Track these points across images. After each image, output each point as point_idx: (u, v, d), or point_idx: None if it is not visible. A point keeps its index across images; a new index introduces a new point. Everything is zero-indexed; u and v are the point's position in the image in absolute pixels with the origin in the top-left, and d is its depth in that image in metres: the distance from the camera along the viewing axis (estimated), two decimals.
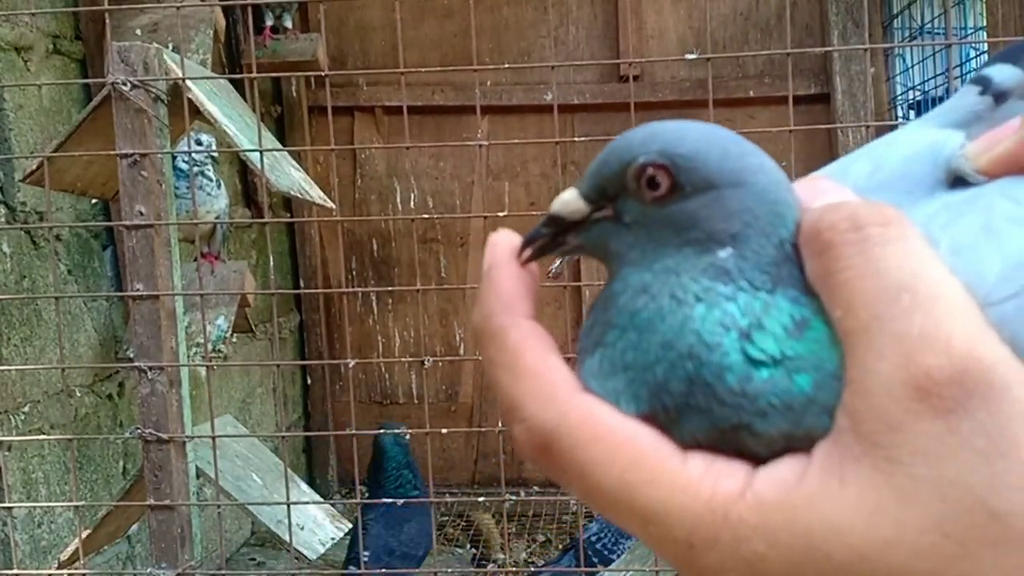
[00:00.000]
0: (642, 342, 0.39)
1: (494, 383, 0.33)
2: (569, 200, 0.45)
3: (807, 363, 0.34)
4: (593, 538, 2.38)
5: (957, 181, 0.41)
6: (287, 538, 1.63)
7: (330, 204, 1.81)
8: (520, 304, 0.36)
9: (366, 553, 2.28)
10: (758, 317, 0.38)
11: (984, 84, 0.46)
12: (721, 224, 0.42)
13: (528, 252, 0.45)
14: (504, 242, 0.39)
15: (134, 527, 2.02)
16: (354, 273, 3.66)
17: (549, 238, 0.45)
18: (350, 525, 2.05)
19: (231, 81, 1.85)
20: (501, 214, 1.91)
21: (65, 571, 1.68)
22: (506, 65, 3.35)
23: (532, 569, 2.89)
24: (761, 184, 0.43)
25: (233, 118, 1.59)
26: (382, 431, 2.50)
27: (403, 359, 3.69)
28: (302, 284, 3.57)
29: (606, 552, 2.30)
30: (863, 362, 0.27)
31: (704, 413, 0.35)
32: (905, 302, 0.27)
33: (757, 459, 0.31)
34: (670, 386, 0.36)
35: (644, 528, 0.29)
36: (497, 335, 0.34)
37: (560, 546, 3.16)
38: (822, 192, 0.39)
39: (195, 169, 2.04)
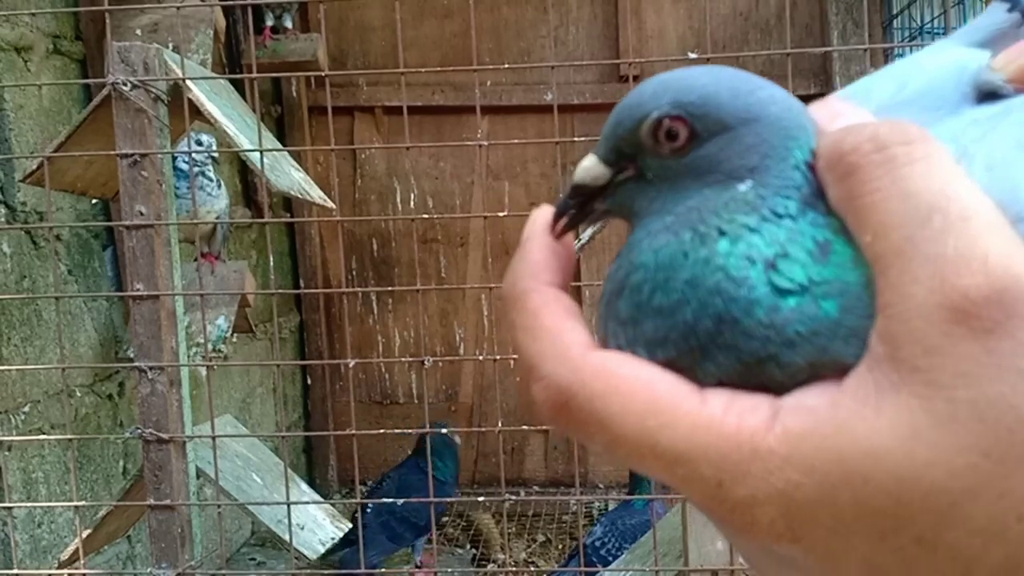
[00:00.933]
0: (667, 282, 0.39)
1: (515, 346, 0.33)
2: (590, 167, 0.45)
3: (833, 287, 0.34)
4: (597, 543, 2.38)
5: (985, 96, 0.41)
6: (287, 538, 1.63)
7: (330, 204, 1.81)
8: (546, 272, 0.36)
9: (370, 507, 2.38)
10: (783, 245, 0.38)
11: (1012, 1, 0.46)
12: (739, 161, 0.42)
13: (560, 225, 0.44)
14: (542, 216, 0.39)
15: (134, 527, 2.02)
16: (354, 273, 3.66)
17: (577, 208, 0.45)
18: (350, 525, 2.05)
19: (231, 81, 1.85)
20: (501, 214, 1.91)
21: (65, 571, 1.68)
22: (506, 65, 3.35)
23: (533, 569, 2.89)
24: (773, 115, 0.43)
25: (233, 118, 1.59)
26: (435, 430, 2.54)
27: (403, 359, 3.69)
28: (302, 284, 3.57)
29: (610, 558, 2.29)
30: (897, 286, 0.27)
31: (731, 349, 0.35)
32: (937, 223, 0.27)
33: (778, 391, 0.31)
34: (698, 326, 0.36)
35: (671, 471, 0.29)
36: (519, 299, 0.34)
37: (560, 546, 3.17)
38: (839, 114, 0.38)
39: (195, 169, 2.04)
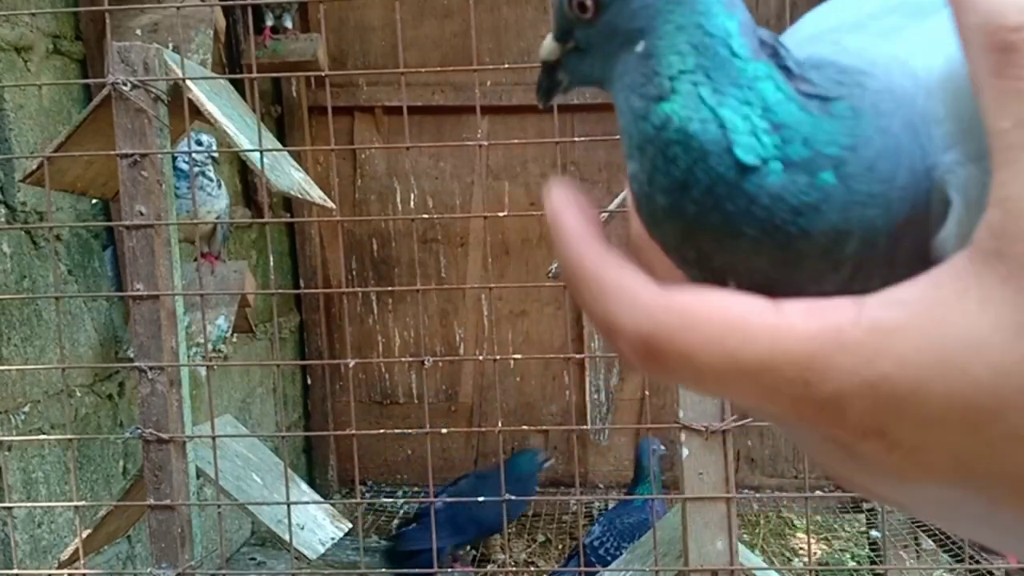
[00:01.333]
0: (658, 168, 0.40)
1: (590, 315, 0.33)
2: (546, 44, 0.48)
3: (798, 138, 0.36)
4: (596, 543, 2.39)
5: None
6: (287, 538, 1.63)
7: (330, 204, 1.81)
8: (586, 236, 0.37)
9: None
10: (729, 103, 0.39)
11: None
12: (630, 24, 0.44)
13: (540, 96, 0.49)
14: (559, 192, 0.39)
15: (134, 527, 2.02)
16: (354, 273, 3.66)
17: (547, 81, 0.50)
18: (350, 525, 2.05)
19: (231, 81, 1.85)
20: (501, 214, 1.91)
21: (65, 571, 1.68)
22: (506, 65, 3.35)
23: (533, 569, 2.89)
24: None
25: (233, 118, 1.59)
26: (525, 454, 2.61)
27: (403, 359, 3.69)
28: (302, 284, 3.57)
29: (609, 558, 2.30)
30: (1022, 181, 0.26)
31: (748, 233, 0.36)
32: None
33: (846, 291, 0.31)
34: (692, 196, 0.37)
35: (756, 384, 0.29)
36: (577, 270, 0.34)
37: (560, 546, 3.17)
38: None
39: (195, 169, 2.04)
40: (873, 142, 0.37)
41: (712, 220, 0.38)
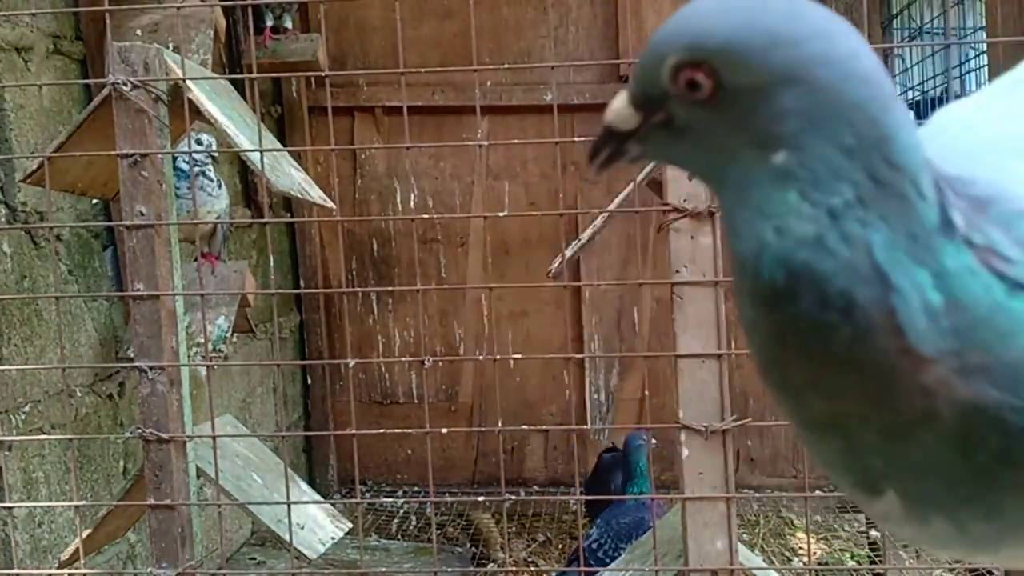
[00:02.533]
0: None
1: None
2: (619, 109, 0.40)
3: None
4: (594, 545, 2.38)
5: None
6: (287, 538, 1.63)
7: (330, 204, 1.81)
8: None
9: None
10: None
11: None
12: (771, 127, 0.34)
13: (597, 163, 0.41)
14: None
15: (134, 527, 2.02)
16: (354, 273, 3.66)
17: (611, 149, 0.42)
18: (350, 525, 2.05)
19: (231, 81, 1.85)
20: (501, 214, 1.92)
21: (65, 571, 1.68)
22: (506, 65, 3.35)
23: (533, 569, 2.90)
24: (824, 80, 0.34)
25: (233, 118, 1.59)
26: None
27: (403, 359, 3.69)
28: (302, 284, 3.57)
29: (607, 559, 2.29)
30: None
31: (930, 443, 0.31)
32: None
33: None
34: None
35: None
36: None
37: (560, 546, 3.17)
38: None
39: (195, 169, 2.04)
40: None
41: (877, 418, 0.29)
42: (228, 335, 2.13)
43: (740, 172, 0.35)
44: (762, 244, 0.33)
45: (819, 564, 2.89)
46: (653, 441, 2.65)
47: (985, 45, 2.58)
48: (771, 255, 0.32)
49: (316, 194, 1.76)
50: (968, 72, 2.97)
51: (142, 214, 1.49)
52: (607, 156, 0.41)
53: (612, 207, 1.74)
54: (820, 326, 0.31)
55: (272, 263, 1.85)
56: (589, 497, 2.83)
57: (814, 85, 0.34)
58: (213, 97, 1.57)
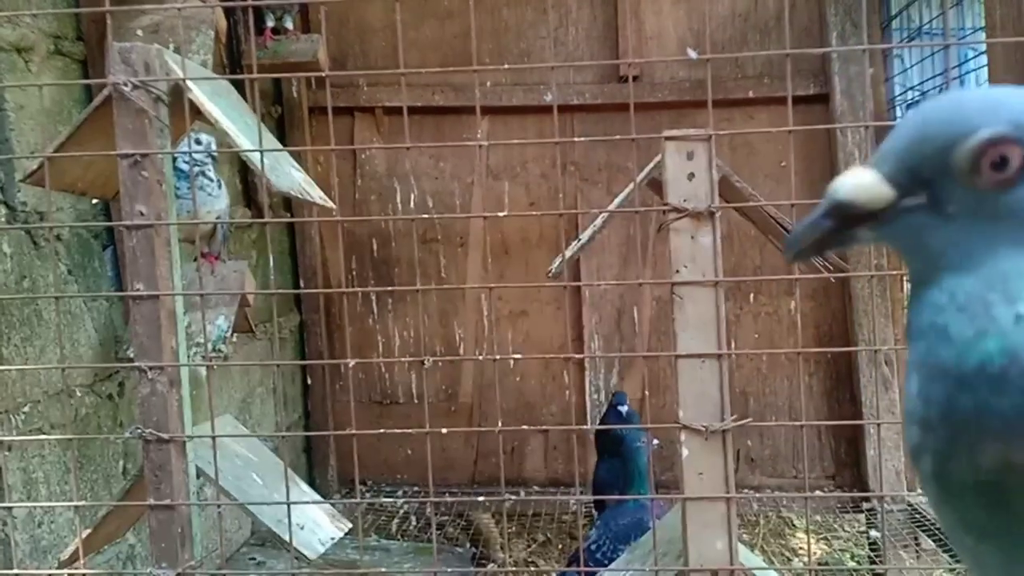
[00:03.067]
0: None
1: None
2: (869, 184, 0.35)
3: None
4: (592, 546, 2.38)
5: None
6: (287, 538, 1.63)
7: (330, 204, 1.81)
8: None
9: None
10: None
11: None
12: None
13: (802, 252, 0.35)
14: None
15: (133, 527, 2.02)
16: (354, 273, 3.66)
17: (830, 233, 0.36)
18: (350, 525, 2.05)
19: (232, 82, 1.85)
20: (501, 214, 1.92)
21: (65, 571, 1.68)
22: (506, 66, 3.35)
23: (533, 569, 2.90)
24: None
25: (234, 119, 1.59)
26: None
27: (403, 359, 3.69)
28: (302, 284, 3.57)
29: (606, 561, 2.29)
30: None
31: None
32: None
33: None
34: None
35: None
36: None
37: (560, 546, 3.17)
38: None
39: (196, 169, 2.04)
40: None
41: None
42: (228, 335, 2.13)
43: (1012, 262, 0.32)
44: (992, 330, 0.31)
45: (819, 564, 2.89)
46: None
47: (984, 46, 2.58)
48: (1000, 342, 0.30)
49: (316, 194, 1.76)
50: (967, 73, 2.98)
51: (142, 214, 1.49)
52: (825, 238, 0.36)
53: (612, 207, 1.75)
54: None
55: (272, 263, 1.85)
56: (589, 498, 2.83)
57: None
58: (213, 97, 1.57)
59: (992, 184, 0.33)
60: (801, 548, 2.94)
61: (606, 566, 2.23)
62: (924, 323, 0.34)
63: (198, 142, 2.05)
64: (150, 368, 1.51)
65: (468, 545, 3.15)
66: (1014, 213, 0.33)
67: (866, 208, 0.36)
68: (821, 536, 3.12)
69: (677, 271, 1.50)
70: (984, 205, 0.34)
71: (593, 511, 3.27)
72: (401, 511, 3.42)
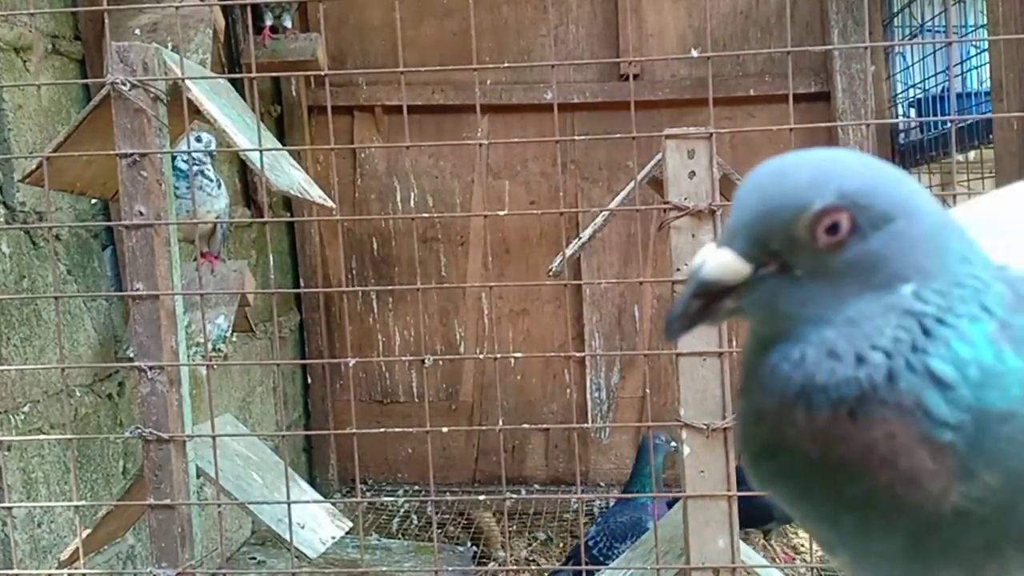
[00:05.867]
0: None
1: None
2: (727, 263, 0.40)
3: None
4: (590, 543, 2.38)
5: None
6: (288, 537, 1.63)
7: (330, 203, 1.80)
8: None
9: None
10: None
11: None
12: (904, 259, 0.37)
13: (681, 326, 0.41)
14: None
15: (134, 527, 2.02)
16: (354, 272, 3.66)
17: (704, 307, 0.40)
18: (351, 524, 2.05)
19: (231, 81, 1.85)
20: (501, 213, 1.91)
21: (65, 571, 1.68)
22: (506, 64, 3.34)
23: (534, 567, 2.89)
24: (929, 208, 0.38)
25: (232, 118, 1.59)
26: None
27: (403, 358, 3.69)
28: (302, 283, 3.56)
29: (601, 558, 2.29)
30: None
31: None
32: None
33: None
34: None
35: None
36: None
37: (561, 544, 3.16)
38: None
39: (195, 169, 2.04)
40: None
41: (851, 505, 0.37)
42: (228, 334, 2.12)
43: (855, 307, 0.38)
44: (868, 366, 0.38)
45: (821, 562, 2.89)
46: (672, 444, 2.60)
47: (986, 43, 2.58)
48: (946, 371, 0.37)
49: (316, 193, 1.76)
50: (969, 70, 2.97)
51: (141, 214, 1.49)
52: (696, 314, 0.41)
53: (613, 205, 1.74)
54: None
55: (272, 262, 1.84)
56: (590, 496, 2.82)
57: (921, 212, 0.39)
58: (212, 96, 1.56)
59: (826, 247, 0.39)
60: (803, 546, 2.93)
61: (602, 563, 2.23)
62: (774, 367, 0.40)
63: (198, 140, 2.05)
64: (150, 368, 1.50)
65: (469, 544, 3.15)
66: (850, 269, 0.38)
67: (728, 284, 0.41)
68: None
69: (678, 269, 1.50)
70: (825, 265, 0.39)
71: (595, 510, 3.27)
72: (402, 510, 3.42)
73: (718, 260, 0.40)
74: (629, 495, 2.49)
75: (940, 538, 0.36)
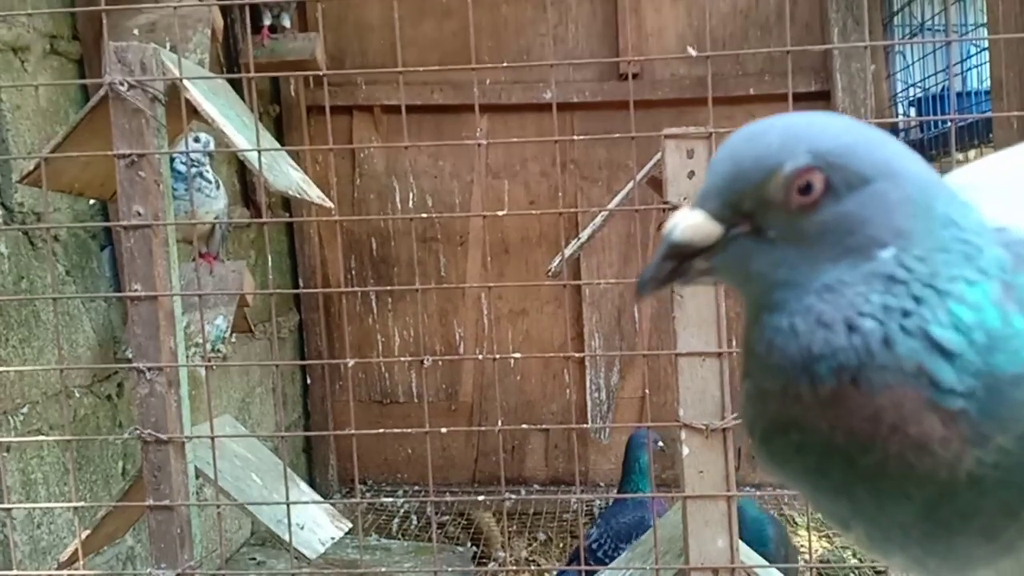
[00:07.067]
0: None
1: None
2: (699, 224, 0.39)
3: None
4: (594, 545, 2.37)
5: None
6: (287, 538, 1.63)
7: (329, 203, 1.80)
8: None
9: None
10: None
11: None
12: (881, 222, 0.36)
13: (654, 283, 0.40)
14: None
15: (133, 528, 2.02)
16: (353, 272, 3.66)
17: (672, 267, 0.40)
18: (350, 524, 2.05)
19: (229, 81, 1.84)
20: (500, 213, 1.91)
21: (64, 572, 1.68)
22: (505, 64, 3.34)
23: (534, 568, 2.89)
24: (913, 169, 0.37)
25: (231, 118, 1.58)
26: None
27: (402, 358, 3.68)
28: (301, 284, 3.56)
29: (607, 559, 2.28)
30: None
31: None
32: None
33: None
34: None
35: None
36: None
37: (561, 544, 3.16)
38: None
39: (193, 170, 2.04)
40: None
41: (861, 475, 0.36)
42: (227, 335, 2.12)
43: (832, 274, 0.37)
44: (898, 329, 0.36)
45: (821, 562, 2.89)
46: (659, 443, 2.63)
47: (986, 42, 2.57)
48: (929, 331, 0.36)
49: (314, 193, 1.76)
50: (969, 69, 2.97)
51: (139, 214, 1.49)
52: (667, 274, 0.40)
53: (612, 205, 1.74)
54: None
55: (271, 263, 1.84)
56: (590, 496, 2.82)
57: (903, 175, 0.37)
58: (210, 97, 1.56)
59: (799, 207, 0.38)
60: (803, 546, 2.93)
61: (607, 564, 2.22)
62: (769, 342, 0.39)
63: (197, 140, 2.05)
64: (148, 369, 1.50)
65: (469, 544, 3.14)
66: (824, 231, 0.37)
67: (700, 245, 0.40)
68: (823, 534, 3.11)
69: None
70: (798, 227, 0.39)
71: (595, 511, 3.27)
72: (401, 510, 3.42)
73: (689, 221, 0.40)
74: (626, 495, 2.49)
75: (956, 505, 0.36)
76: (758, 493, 3.40)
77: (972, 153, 2.74)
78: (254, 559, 2.87)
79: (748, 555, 1.61)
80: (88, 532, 1.65)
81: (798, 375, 0.37)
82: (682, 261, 0.41)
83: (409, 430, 2.91)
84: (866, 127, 0.40)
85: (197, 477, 1.62)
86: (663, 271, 0.41)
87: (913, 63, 3.39)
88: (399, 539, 3.19)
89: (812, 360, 0.36)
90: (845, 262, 0.37)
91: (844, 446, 0.35)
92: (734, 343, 1.53)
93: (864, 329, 0.35)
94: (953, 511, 0.36)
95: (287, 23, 2.96)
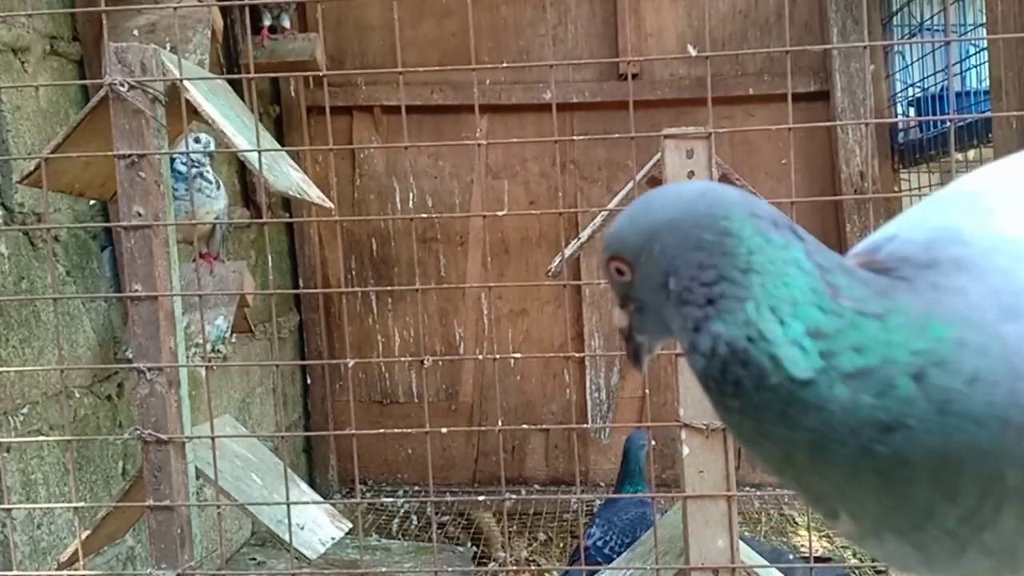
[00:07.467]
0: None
1: None
2: (616, 313, 0.54)
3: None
4: (599, 543, 2.38)
5: None
6: (287, 538, 1.63)
7: (329, 204, 1.80)
8: None
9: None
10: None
11: None
12: (658, 272, 0.48)
13: (634, 364, 0.55)
14: None
15: (133, 528, 2.02)
16: (353, 273, 3.66)
17: (632, 347, 0.55)
18: (350, 525, 2.05)
19: (229, 81, 1.84)
20: (500, 213, 1.91)
21: (64, 572, 1.68)
22: (505, 64, 3.34)
23: (534, 568, 2.89)
24: (666, 221, 0.48)
25: (231, 118, 1.59)
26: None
27: (403, 358, 3.68)
28: (301, 284, 3.56)
29: (614, 556, 2.28)
30: None
31: (838, 458, 0.44)
32: None
33: None
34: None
35: None
36: None
37: (561, 544, 3.16)
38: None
39: (194, 171, 2.04)
40: (976, 348, 0.40)
41: (799, 441, 0.42)
42: (227, 335, 2.12)
43: (667, 314, 0.49)
44: (694, 344, 0.48)
45: (821, 561, 2.88)
46: (652, 442, 2.65)
47: (985, 42, 2.57)
48: (697, 345, 0.48)
49: (314, 194, 1.76)
50: (968, 69, 2.97)
51: (139, 215, 1.49)
52: (634, 353, 0.54)
53: (611, 205, 1.74)
54: (748, 378, 0.45)
55: (271, 263, 1.84)
56: (590, 496, 2.82)
57: (666, 227, 0.48)
58: (210, 97, 1.56)
59: (626, 285, 0.50)
60: (803, 545, 2.93)
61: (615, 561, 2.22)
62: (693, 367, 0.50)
63: (197, 141, 2.05)
64: (149, 369, 1.50)
65: (469, 544, 3.14)
66: (647, 292, 0.49)
67: (625, 327, 0.54)
68: (823, 533, 3.11)
69: None
70: (641, 297, 0.50)
71: (595, 510, 3.27)
72: (402, 511, 3.42)
73: (615, 312, 0.55)
74: (624, 495, 2.50)
75: (926, 483, 0.39)
76: (758, 493, 3.40)
77: (971, 153, 2.75)
78: (254, 559, 2.87)
79: (748, 555, 1.61)
80: (88, 532, 1.65)
81: (707, 385, 0.48)
82: (629, 340, 0.54)
83: (409, 430, 2.91)
84: (647, 199, 0.50)
85: (197, 477, 1.62)
86: (629, 350, 0.55)
87: (912, 63, 3.40)
88: (399, 539, 3.19)
89: (706, 378, 0.47)
90: (666, 304, 0.48)
91: (768, 425, 0.43)
92: None
93: (717, 354, 0.44)
94: (927, 490, 0.39)
95: (287, 24, 2.96)
